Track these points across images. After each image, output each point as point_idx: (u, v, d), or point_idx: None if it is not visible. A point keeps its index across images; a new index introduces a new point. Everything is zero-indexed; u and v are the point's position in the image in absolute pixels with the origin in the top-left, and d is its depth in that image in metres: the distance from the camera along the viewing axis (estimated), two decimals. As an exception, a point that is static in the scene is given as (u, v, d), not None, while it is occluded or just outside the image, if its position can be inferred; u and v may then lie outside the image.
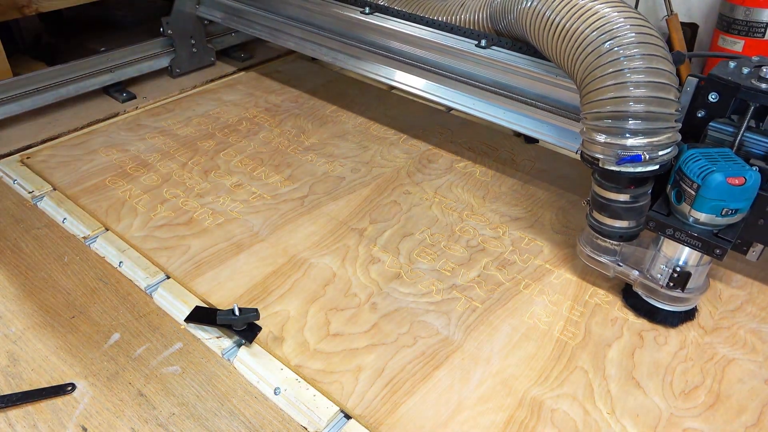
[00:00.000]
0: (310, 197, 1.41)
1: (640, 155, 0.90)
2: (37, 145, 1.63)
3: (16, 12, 1.76)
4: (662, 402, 0.94)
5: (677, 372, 0.99)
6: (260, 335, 1.04)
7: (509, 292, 1.14)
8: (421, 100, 1.86)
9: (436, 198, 1.41)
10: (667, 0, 2.07)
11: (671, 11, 2.08)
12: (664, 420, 0.91)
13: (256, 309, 1.01)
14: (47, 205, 1.38)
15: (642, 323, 1.08)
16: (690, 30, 2.14)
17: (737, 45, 1.91)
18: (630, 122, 0.90)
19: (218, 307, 1.10)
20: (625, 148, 0.91)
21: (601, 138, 0.93)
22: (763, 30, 1.86)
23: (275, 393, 0.95)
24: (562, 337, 1.05)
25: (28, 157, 1.55)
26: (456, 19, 1.38)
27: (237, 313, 1.00)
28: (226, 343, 1.04)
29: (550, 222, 1.33)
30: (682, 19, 2.13)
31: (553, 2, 1.01)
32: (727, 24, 1.91)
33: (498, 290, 1.15)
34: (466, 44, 1.34)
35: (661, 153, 0.91)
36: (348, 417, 0.92)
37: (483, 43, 1.31)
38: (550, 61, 1.10)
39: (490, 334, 1.05)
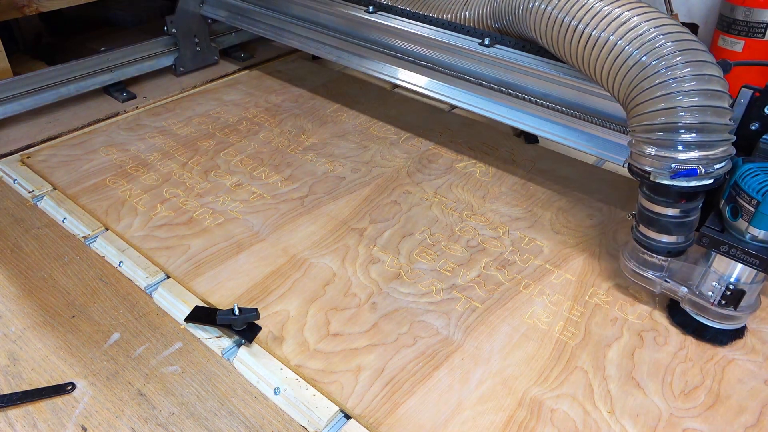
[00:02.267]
0: (310, 197, 1.41)
1: (696, 169, 0.87)
2: (37, 145, 1.63)
3: (16, 12, 1.76)
4: (662, 402, 0.94)
5: (677, 372, 0.99)
6: (260, 335, 1.04)
7: (509, 292, 1.14)
8: (421, 99, 1.86)
9: (436, 198, 1.41)
10: (667, 0, 2.07)
11: (671, 11, 2.07)
12: (663, 420, 0.91)
13: (256, 309, 1.02)
14: (47, 205, 1.38)
15: (642, 323, 1.07)
16: (690, 30, 2.14)
17: (737, 45, 1.91)
18: (683, 134, 0.87)
19: (218, 307, 1.10)
20: (677, 161, 0.88)
21: (652, 150, 0.91)
22: (763, 30, 1.86)
23: (275, 393, 0.95)
24: (562, 337, 1.05)
25: (28, 157, 1.55)
26: (459, 16, 1.39)
27: (237, 312, 1.00)
28: (226, 342, 1.04)
29: (550, 222, 1.33)
30: (682, 19, 2.13)
31: (572, 8, 0.98)
32: (727, 24, 1.91)
33: (498, 290, 1.15)
34: (470, 42, 1.35)
35: (716, 167, 0.88)
36: (348, 417, 0.92)
37: (486, 41, 1.32)
38: (560, 60, 1.08)
39: (490, 334, 1.05)
